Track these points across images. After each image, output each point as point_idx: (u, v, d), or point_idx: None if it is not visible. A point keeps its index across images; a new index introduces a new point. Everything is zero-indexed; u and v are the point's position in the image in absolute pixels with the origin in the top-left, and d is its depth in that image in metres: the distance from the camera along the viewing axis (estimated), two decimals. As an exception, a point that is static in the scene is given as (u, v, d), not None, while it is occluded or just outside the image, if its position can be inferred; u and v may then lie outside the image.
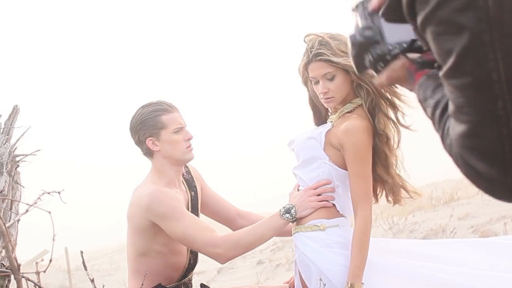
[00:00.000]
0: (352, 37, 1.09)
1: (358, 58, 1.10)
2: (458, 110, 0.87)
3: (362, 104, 2.29)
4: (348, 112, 2.31)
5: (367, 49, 1.07)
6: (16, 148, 3.62)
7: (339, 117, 2.32)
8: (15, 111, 3.83)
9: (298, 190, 2.42)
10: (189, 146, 2.53)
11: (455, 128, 0.89)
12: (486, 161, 0.86)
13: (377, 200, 2.43)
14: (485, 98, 0.84)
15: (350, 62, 2.21)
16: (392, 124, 2.29)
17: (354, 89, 2.29)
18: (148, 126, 2.48)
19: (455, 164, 0.93)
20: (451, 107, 0.90)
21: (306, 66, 2.30)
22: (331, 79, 2.26)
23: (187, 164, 2.68)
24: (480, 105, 0.84)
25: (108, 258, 15.77)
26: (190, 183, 2.66)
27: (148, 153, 2.54)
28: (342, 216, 2.34)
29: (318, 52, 2.25)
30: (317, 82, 2.29)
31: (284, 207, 2.36)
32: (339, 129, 2.26)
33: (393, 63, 1.06)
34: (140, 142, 2.52)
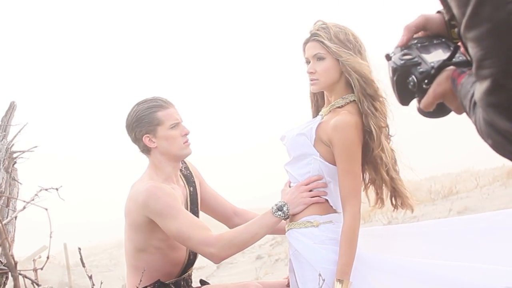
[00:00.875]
0: (391, 64, 1.08)
1: (400, 84, 1.07)
2: (479, 66, 0.82)
3: (354, 100, 2.27)
4: (338, 107, 2.30)
5: (409, 71, 1.06)
6: (13, 144, 3.61)
7: (330, 111, 2.31)
8: (12, 107, 3.81)
9: (289, 186, 2.40)
10: (186, 141, 2.51)
11: (479, 90, 0.83)
12: None
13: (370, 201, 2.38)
14: (506, 44, 0.78)
15: (341, 51, 2.21)
16: (378, 121, 2.23)
17: (344, 81, 2.28)
18: (144, 123, 2.46)
19: (483, 138, 0.87)
20: (473, 67, 0.84)
21: (304, 46, 2.34)
22: (320, 61, 2.27)
23: (185, 160, 2.67)
24: (501, 53, 0.79)
25: (107, 254, 15.79)
26: (188, 179, 2.65)
27: (146, 150, 2.52)
28: (335, 212, 2.32)
29: (315, 33, 2.29)
30: (308, 63, 2.32)
31: (276, 205, 2.33)
32: (328, 124, 2.25)
33: (438, 77, 1.03)
34: (137, 140, 2.51)
